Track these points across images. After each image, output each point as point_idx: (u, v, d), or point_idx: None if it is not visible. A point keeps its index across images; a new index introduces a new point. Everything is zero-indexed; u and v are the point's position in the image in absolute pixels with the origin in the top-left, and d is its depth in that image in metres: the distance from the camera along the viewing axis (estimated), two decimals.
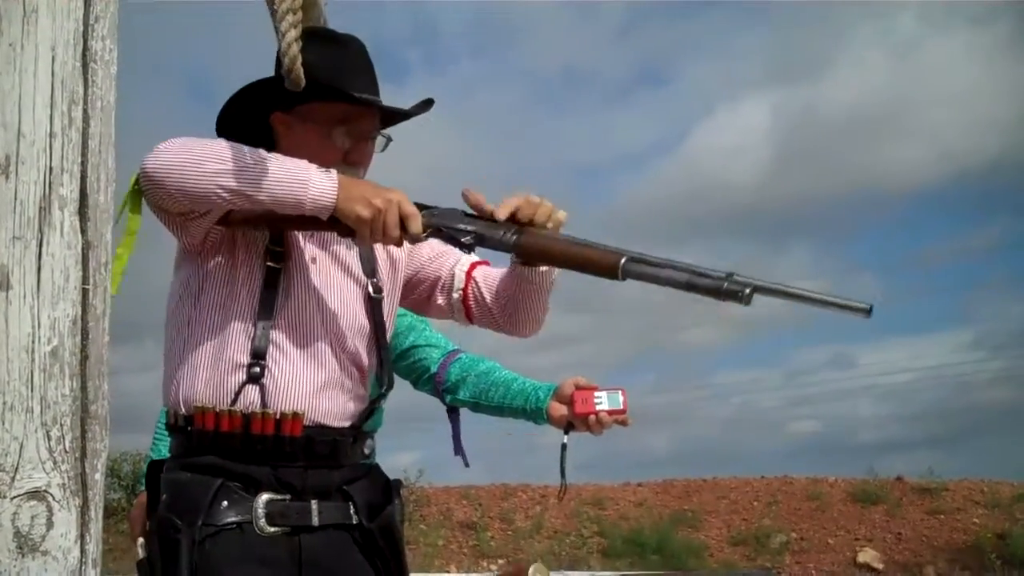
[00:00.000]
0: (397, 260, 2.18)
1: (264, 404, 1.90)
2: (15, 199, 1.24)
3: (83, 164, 1.30)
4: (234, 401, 1.90)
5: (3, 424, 1.20)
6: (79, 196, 1.29)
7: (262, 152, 1.82)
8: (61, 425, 1.24)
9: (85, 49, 1.33)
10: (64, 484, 1.23)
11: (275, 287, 1.95)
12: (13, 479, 1.20)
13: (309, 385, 1.96)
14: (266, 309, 1.93)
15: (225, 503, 1.85)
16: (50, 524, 1.21)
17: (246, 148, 1.80)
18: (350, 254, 2.10)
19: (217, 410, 1.89)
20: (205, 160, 1.76)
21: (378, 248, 2.14)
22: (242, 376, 1.91)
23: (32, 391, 1.22)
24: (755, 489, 18.95)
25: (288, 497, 1.89)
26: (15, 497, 1.20)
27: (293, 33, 2.09)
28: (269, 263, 1.96)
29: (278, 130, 2.06)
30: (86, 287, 1.28)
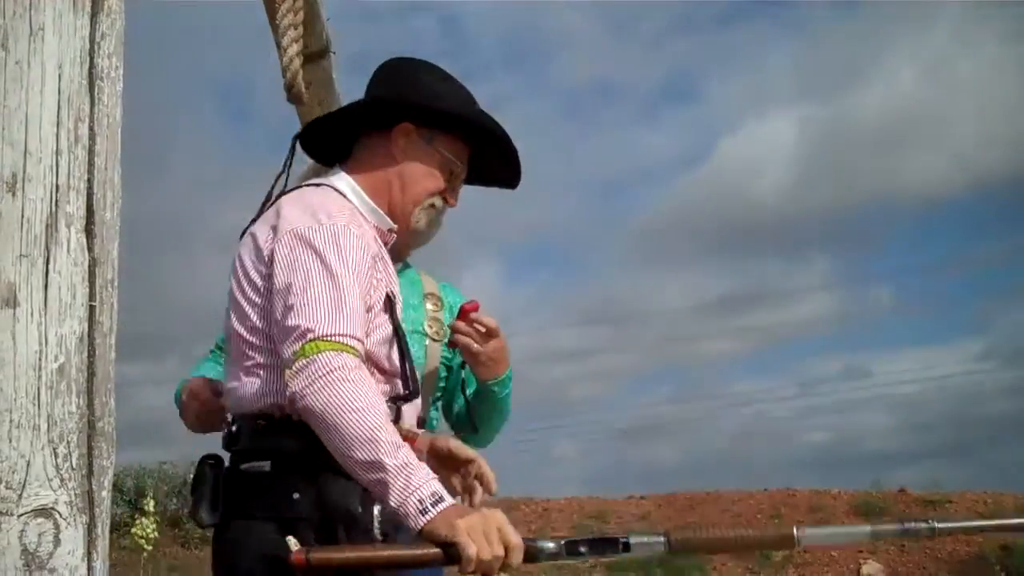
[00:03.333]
0: None
1: (397, 421, 2.00)
2: (22, 216, 1.25)
3: (89, 181, 1.31)
4: None
5: (10, 442, 1.20)
6: (85, 213, 1.29)
7: (403, 455, 1.78)
8: (68, 442, 1.24)
9: (91, 66, 1.33)
10: (71, 501, 1.23)
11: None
12: (20, 496, 1.20)
13: (413, 406, 2.11)
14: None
15: (375, 509, 1.93)
16: (57, 542, 1.21)
17: (388, 442, 1.77)
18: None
19: None
20: (350, 440, 1.76)
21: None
22: (386, 395, 1.99)
23: (39, 408, 1.22)
24: (758, 502, 18.91)
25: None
26: (22, 515, 1.19)
27: (295, 48, 2.10)
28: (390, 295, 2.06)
29: (398, 139, 2.18)
30: (93, 304, 1.28)
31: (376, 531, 1.92)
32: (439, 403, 2.68)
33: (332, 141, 2.29)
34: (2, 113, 1.25)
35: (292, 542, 1.79)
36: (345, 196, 2.13)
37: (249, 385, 1.99)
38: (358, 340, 1.86)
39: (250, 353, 1.99)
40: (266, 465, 1.96)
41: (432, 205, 2.24)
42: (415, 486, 1.75)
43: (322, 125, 2.28)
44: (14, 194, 1.25)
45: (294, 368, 1.80)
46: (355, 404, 1.77)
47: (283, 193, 2.12)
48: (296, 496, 1.92)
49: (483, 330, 2.43)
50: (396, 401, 2.02)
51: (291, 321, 1.85)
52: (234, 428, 2.04)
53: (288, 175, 2.20)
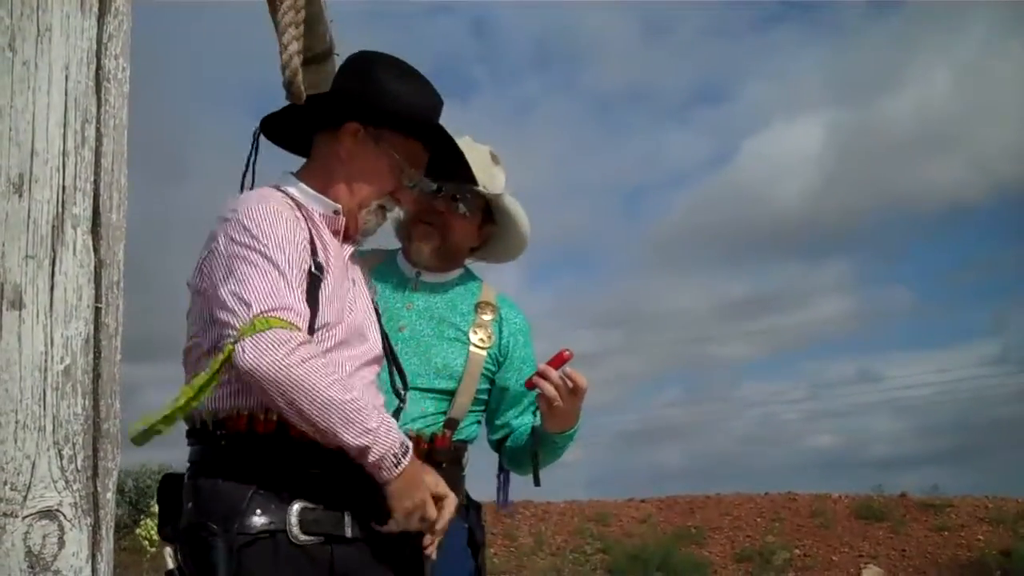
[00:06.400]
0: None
1: None
2: (28, 218, 1.24)
3: (96, 183, 1.30)
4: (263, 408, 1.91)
5: (16, 443, 1.20)
6: (92, 215, 1.29)
7: (357, 401, 1.85)
8: (73, 444, 1.23)
9: (98, 68, 1.33)
10: (76, 503, 1.23)
11: (316, 297, 1.97)
12: (25, 498, 1.19)
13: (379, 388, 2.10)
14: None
15: (259, 511, 1.86)
16: (62, 543, 1.21)
17: (346, 396, 1.83)
18: (362, 274, 2.21)
19: (251, 413, 1.90)
20: (305, 398, 1.79)
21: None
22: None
23: (44, 410, 1.22)
24: (759, 506, 18.92)
25: (321, 506, 1.91)
26: (27, 516, 1.19)
27: (295, 46, 2.10)
28: (312, 271, 1.99)
29: (344, 139, 2.12)
30: (99, 306, 1.28)
31: (295, 530, 1.87)
32: (481, 415, 2.65)
33: (302, 136, 2.24)
34: (9, 114, 1.25)
35: (168, 553, 1.81)
36: (287, 194, 2.09)
37: None
38: (293, 311, 1.86)
39: (185, 357, 2.00)
40: (187, 476, 1.97)
41: (381, 207, 2.19)
42: (390, 435, 1.88)
43: (281, 120, 2.22)
44: (20, 195, 1.24)
45: (247, 341, 1.79)
46: (319, 367, 1.82)
47: None
48: (189, 505, 1.90)
49: (571, 385, 2.38)
50: None
51: (226, 303, 1.86)
52: None
53: (253, 172, 2.17)
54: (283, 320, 1.82)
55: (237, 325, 1.81)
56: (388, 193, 2.17)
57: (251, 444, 1.89)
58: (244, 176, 2.16)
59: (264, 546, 1.84)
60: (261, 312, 1.81)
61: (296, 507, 1.88)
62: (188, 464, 1.99)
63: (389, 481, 1.87)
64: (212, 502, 1.87)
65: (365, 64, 2.17)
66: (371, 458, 1.85)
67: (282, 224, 1.94)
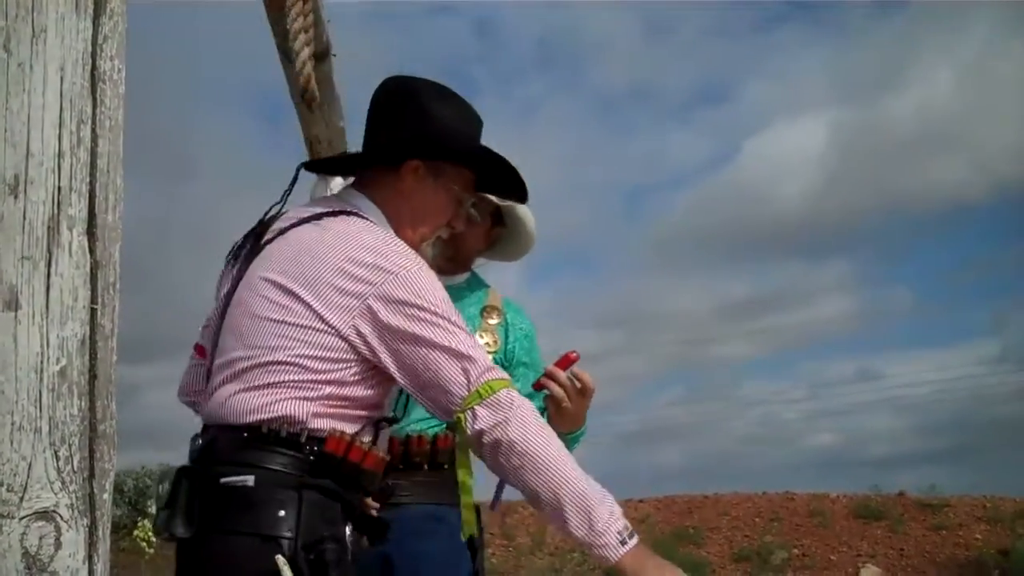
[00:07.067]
0: None
1: (374, 444, 2.01)
2: (24, 219, 1.24)
3: (91, 183, 1.31)
4: (355, 435, 1.98)
5: (11, 444, 1.20)
6: (87, 216, 1.29)
7: (595, 490, 1.91)
8: (69, 445, 1.23)
9: (94, 68, 1.33)
10: (72, 504, 1.23)
11: None
12: (21, 499, 1.20)
13: (386, 437, 2.13)
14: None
15: (347, 529, 1.95)
16: (58, 545, 1.21)
17: (582, 478, 1.90)
18: None
19: (352, 438, 1.95)
20: (549, 476, 1.89)
21: None
22: (369, 420, 2.02)
23: (40, 411, 1.22)
24: (757, 505, 18.92)
25: (352, 527, 1.98)
26: (23, 517, 1.19)
27: (307, 52, 2.11)
28: None
29: (406, 177, 2.12)
30: (94, 307, 1.28)
31: (350, 551, 1.92)
32: None
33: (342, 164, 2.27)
34: (4, 115, 1.25)
35: (281, 561, 1.80)
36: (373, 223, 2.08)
37: (245, 398, 1.95)
38: (494, 367, 1.96)
39: (268, 366, 1.94)
40: (250, 479, 1.91)
41: (439, 236, 2.23)
42: (615, 525, 1.89)
43: (334, 162, 2.27)
44: (16, 196, 1.24)
45: (478, 408, 1.90)
46: (548, 433, 1.93)
47: (312, 216, 2.06)
48: (282, 513, 1.89)
49: (579, 386, 2.38)
50: (379, 424, 2.03)
51: (444, 377, 1.93)
52: (210, 439, 1.99)
53: (283, 203, 2.15)
54: (500, 380, 1.94)
55: (463, 394, 1.91)
56: (446, 224, 2.21)
57: (341, 466, 1.94)
58: (270, 209, 2.14)
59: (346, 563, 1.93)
60: (477, 378, 1.92)
61: (348, 527, 1.95)
62: (246, 466, 1.93)
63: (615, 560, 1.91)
64: (322, 513, 1.91)
65: (408, 95, 2.17)
66: (596, 552, 1.90)
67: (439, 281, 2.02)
